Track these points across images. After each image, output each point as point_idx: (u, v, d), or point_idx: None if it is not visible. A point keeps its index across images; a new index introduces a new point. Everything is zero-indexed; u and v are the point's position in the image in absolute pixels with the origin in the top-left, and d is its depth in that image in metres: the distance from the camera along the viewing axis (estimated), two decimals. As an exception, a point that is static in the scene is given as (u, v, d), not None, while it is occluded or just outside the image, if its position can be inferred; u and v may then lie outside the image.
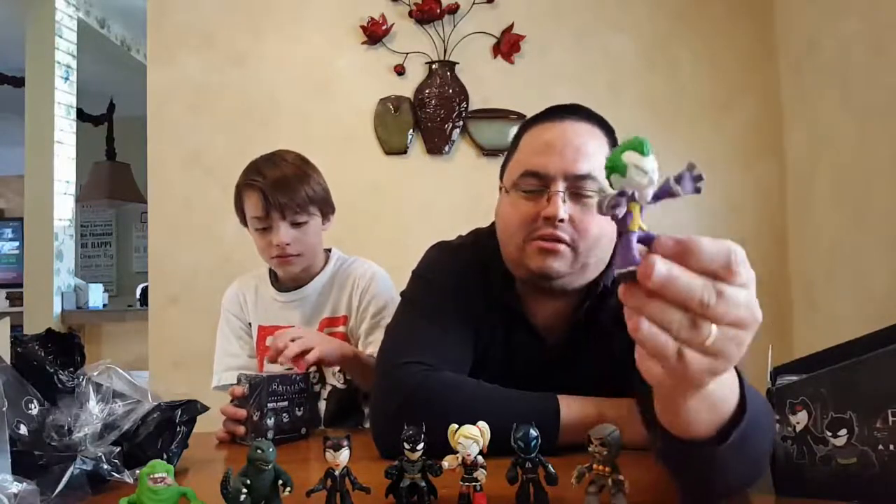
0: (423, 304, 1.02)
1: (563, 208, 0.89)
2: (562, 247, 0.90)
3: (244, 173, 1.41)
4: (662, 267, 0.42)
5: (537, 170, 0.92)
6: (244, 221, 1.44)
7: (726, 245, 0.44)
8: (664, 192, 0.43)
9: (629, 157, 0.42)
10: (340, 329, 1.43)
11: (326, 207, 1.44)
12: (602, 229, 0.91)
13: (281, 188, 1.33)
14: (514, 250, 0.96)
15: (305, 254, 1.40)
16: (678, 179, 0.43)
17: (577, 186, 0.91)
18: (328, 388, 1.41)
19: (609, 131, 0.99)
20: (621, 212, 0.43)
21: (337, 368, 1.37)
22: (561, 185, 0.91)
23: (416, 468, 0.64)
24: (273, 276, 1.51)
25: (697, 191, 0.43)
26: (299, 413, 1.09)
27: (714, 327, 0.44)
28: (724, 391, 0.53)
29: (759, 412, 0.58)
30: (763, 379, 0.71)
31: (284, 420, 1.07)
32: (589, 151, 0.92)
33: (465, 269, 1.03)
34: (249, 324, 1.49)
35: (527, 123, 1.01)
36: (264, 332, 1.44)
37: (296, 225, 1.36)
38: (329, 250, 1.52)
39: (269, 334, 1.41)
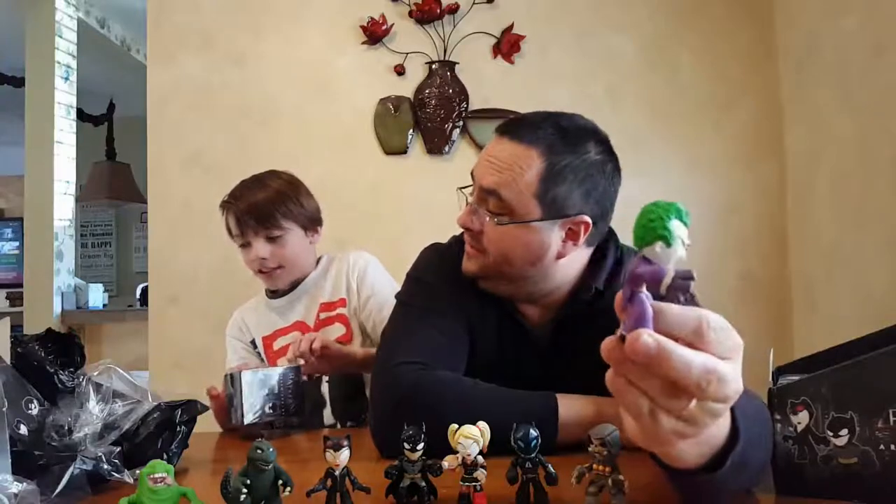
0: (417, 305, 1.03)
1: (469, 217, 0.97)
2: (472, 250, 0.99)
3: (225, 195, 1.48)
4: (650, 342, 0.41)
5: (473, 173, 0.99)
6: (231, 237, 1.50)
7: (697, 316, 0.42)
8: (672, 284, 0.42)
9: (676, 227, 0.40)
10: (339, 311, 1.46)
11: (309, 223, 1.48)
12: (501, 245, 0.95)
13: (251, 211, 1.41)
14: None
15: (286, 266, 1.45)
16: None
17: (480, 199, 0.96)
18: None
19: (556, 152, 0.93)
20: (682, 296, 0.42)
21: None
22: (476, 195, 0.97)
23: (416, 468, 0.64)
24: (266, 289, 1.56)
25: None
26: (290, 401, 1.14)
27: (694, 400, 0.43)
28: (715, 427, 0.52)
29: (755, 430, 0.58)
30: (765, 379, 0.71)
31: (267, 411, 1.12)
32: (501, 171, 0.93)
33: (457, 268, 1.05)
34: (252, 341, 1.53)
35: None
36: (268, 341, 1.50)
37: (271, 239, 1.42)
38: (320, 258, 1.58)
39: (273, 341, 1.49)
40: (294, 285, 1.50)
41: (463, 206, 0.99)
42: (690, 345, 0.42)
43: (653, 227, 0.40)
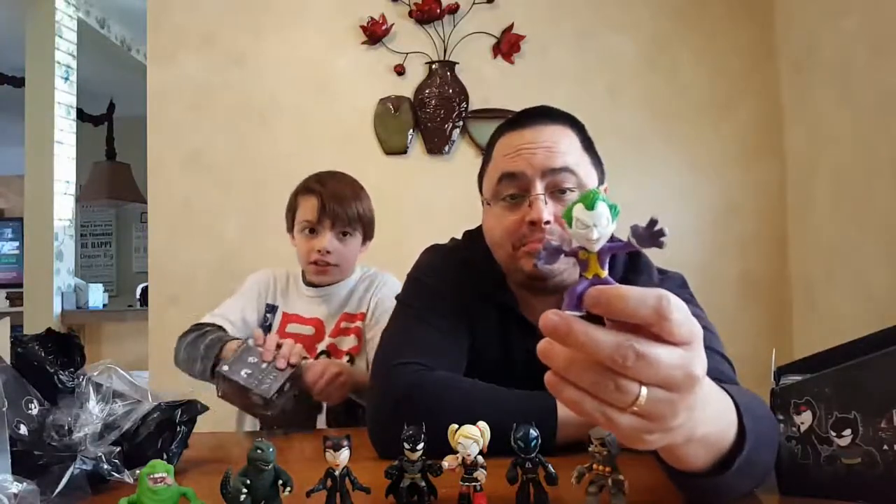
0: (418, 306, 1.03)
1: (546, 210, 0.91)
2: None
3: (304, 181, 1.50)
4: (554, 318, 0.41)
5: (514, 170, 0.95)
6: (290, 226, 1.52)
7: (655, 294, 0.41)
8: (624, 246, 0.43)
9: (576, 210, 0.43)
10: (357, 324, 1.48)
11: (369, 231, 1.53)
12: None
13: (337, 199, 1.44)
14: (506, 258, 0.98)
15: (341, 266, 1.48)
16: (635, 233, 0.42)
17: (555, 183, 0.93)
18: None
19: (579, 128, 1.01)
20: (551, 261, 0.45)
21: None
22: (539, 186, 0.93)
23: (416, 468, 0.63)
24: (304, 273, 1.57)
25: (659, 245, 0.42)
26: (267, 379, 1.15)
27: (644, 389, 0.41)
28: (717, 426, 0.52)
29: (762, 432, 0.57)
30: (767, 379, 0.71)
31: (244, 373, 1.14)
32: (561, 149, 0.95)
33: (458, 269, 1.05)
34: (272, 305, 1.53)
35: (496, 133, 1.03)
36: (287, 319, 1.51)
37: (340, 236, 1.45)
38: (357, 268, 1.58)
39: (291, 322, 1.51)
40: (329, 283, 1.52)
41: (540, 208, 0.91)
42: (652, 327, 0.41)
43: (563, 215, 0.45)
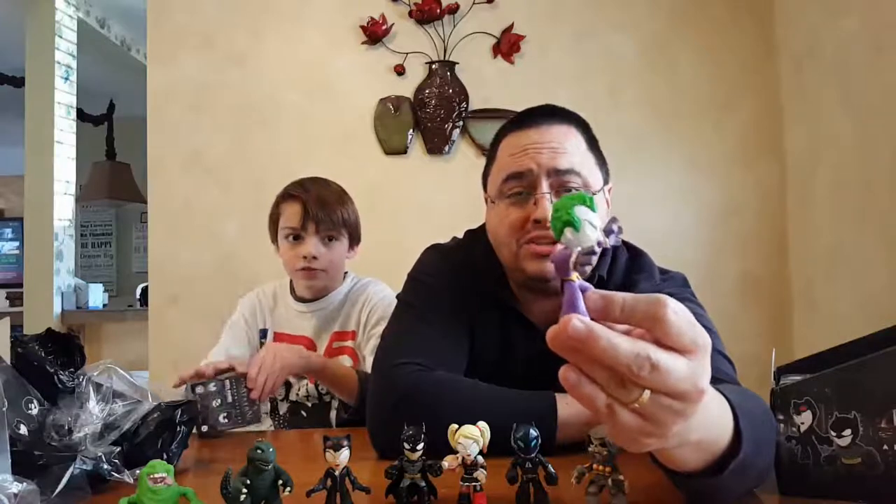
0: (418, 306, 1.03)
1: (551, 208, 0.90)
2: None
3: (286, 188, 1.48)
4: (578, 324, 0.41)
5: (520, 170, 0.94)
6: (274, 236, 1.49)
7: (651, 298, 0.41)
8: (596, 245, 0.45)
9: (582, 213, 0.43)
10: (349, 344, 1.45)
11: (355, 235, 1.50)
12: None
13: (320, 204, 1.41)
14: (509, 256, 0.98)
15: (329, 271, 1.45)
16: (607, 234, 0.44)
17: (561, 182, 0.93)
18: (337, 400, 1.42)
19: (584, 128, 1.01)
20: (589, 268, 0.45)
21: None
22: (545, 185, 0.93)
23: (416, 468, 0.63)
24: (292, 287, 1.54)
25: (616, 243, 0.45)
26: (246, 409, 1.14)
27: (646, 390, 0.41)
28: (711, 432, 0.52)
29: (759, 435, 0.57)
30: (767, 379, 0.71)
31: (222, 421, 1.12)
32: (566, 149, 0.95)
33: (459, 269, 1.05)
34: (263, 330, 1.51)
35: (502, 131, 1.03)
36: (280, 339, 1.48)
37: (326, 240, 1.43)
38: (346, 273, 1.56)
39: (283, 341, 1.47)
40: (317, 295, 1.49)
41: (546, 207, 0.91)
42: (650, 332, 0.41)
43: (559, 216, 0.44)
